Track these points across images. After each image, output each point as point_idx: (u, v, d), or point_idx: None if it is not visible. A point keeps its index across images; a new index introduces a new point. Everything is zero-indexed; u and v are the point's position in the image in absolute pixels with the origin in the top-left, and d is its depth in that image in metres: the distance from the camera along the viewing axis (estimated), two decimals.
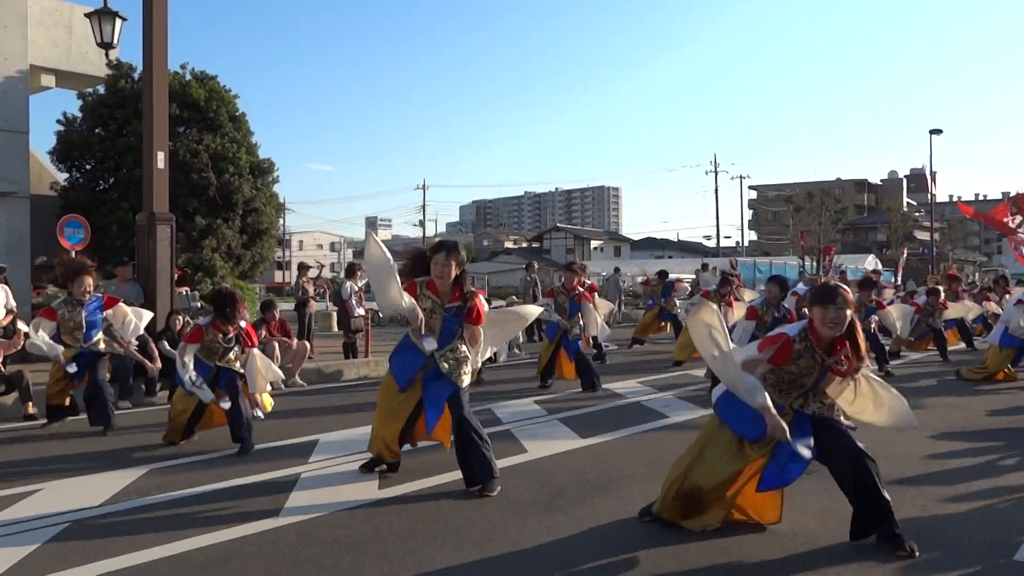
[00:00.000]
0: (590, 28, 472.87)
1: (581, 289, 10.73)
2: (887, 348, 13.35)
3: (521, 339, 16.38)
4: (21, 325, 8.51)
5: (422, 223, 79.45)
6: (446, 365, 5.49)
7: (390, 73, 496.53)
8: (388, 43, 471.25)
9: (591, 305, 10.64)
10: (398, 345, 5.71)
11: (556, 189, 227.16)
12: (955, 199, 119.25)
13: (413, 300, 5.46)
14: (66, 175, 18.33)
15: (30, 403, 8.49)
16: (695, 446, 4.55)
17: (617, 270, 30.26)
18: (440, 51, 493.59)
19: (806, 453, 4.27)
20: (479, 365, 5.79)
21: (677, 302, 16.39)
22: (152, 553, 4.17)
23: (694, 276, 17.61)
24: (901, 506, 4.86)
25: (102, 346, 7.88)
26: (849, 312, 4.24)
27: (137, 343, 9.68)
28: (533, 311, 6.80)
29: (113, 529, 4.63)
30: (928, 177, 46.27)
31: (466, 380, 5.58)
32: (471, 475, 5.36)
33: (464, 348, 5.62)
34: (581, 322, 10.53)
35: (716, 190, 64.85)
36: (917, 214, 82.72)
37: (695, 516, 4.45)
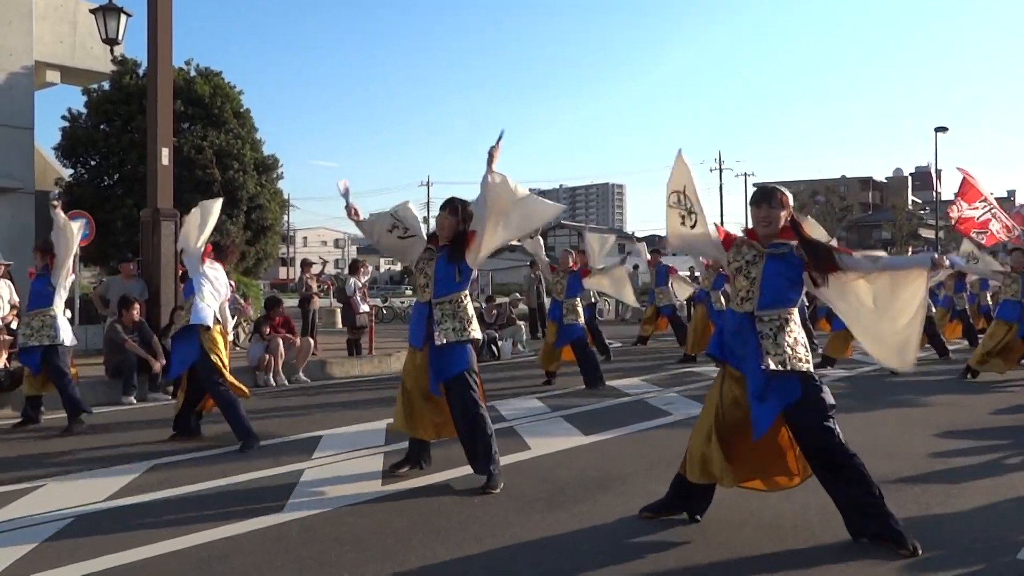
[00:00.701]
0: (596, 26, 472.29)
1: (576, 268, 10.75)
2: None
3: (525, 336, 16.39)
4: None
5: (427, 220, 79.47)
6: (439, 313, 5.40)
7: (395, 70, 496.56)
8: (393, 40, 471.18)
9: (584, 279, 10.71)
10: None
11: (560, 186, 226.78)
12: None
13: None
14: (71, 171, 18.36)
15: None
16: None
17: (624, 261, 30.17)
18: (445, 48, 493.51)
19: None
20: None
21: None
22: (155, 548, 4.18)
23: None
24: (904, 504, 4.86)
25: None
26: (783, 213, 4.29)
27: (139, 337, 9.72)
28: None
29: (116, 525, 4.64)
30: (933, 175, 46.20)
31: (473, 334, 5.47)
32: (472, 455, 5.40)
33: (466, 301, 5.50)
34: (592, 298, 10.61)
35: (720, 187, 64.71)
36: (922, 212, 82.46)
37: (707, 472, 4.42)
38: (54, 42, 17.11)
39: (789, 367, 4.19)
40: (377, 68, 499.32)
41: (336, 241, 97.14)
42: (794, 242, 4.30)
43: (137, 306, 10.10)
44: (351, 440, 6.93)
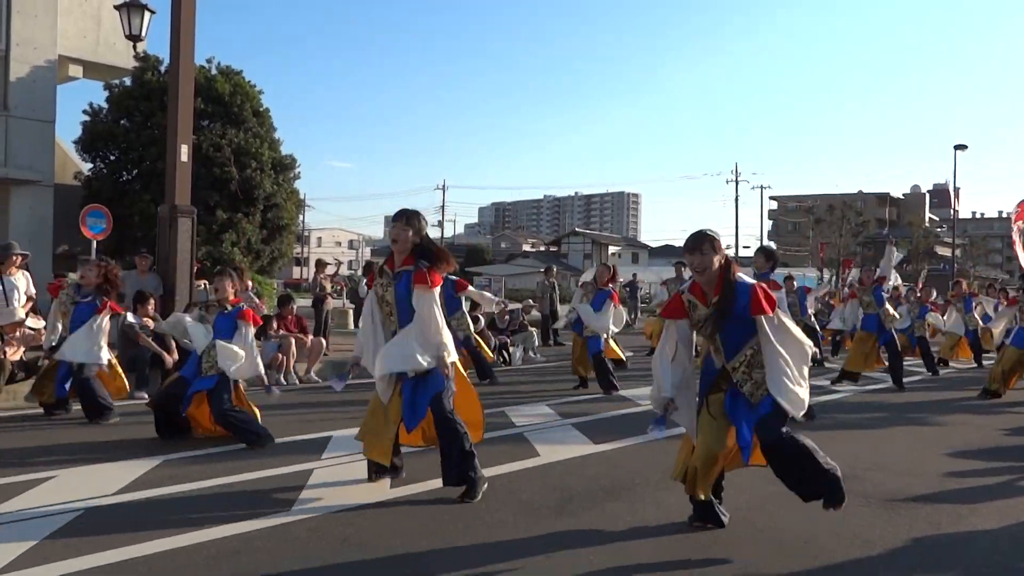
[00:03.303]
0: (614, 35, 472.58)
1: (612, 287, 10.75)
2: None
3: (536, 343, 16.38)
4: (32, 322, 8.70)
5: (441, 223, 79.59)
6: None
7: (413, 74, 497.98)
8: (412, 44, 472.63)
9: (612, 305, 10.60)
10: None
11: (576, 193, 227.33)
12: (978, 215, 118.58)
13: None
14: (90, 165, 18.50)
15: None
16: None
17: (635, 276, 30.20)
18: (464, 53, 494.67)
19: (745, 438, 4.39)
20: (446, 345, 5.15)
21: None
22: (163, 543, 4.19)
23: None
24: (915, 524, 4.83)
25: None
26: (716, 258, 4.36)
27: (153, 334, 9.77)
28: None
29: (125, 519, 4.66)
30: (951, 192, 45.97)
31: (448, 359, 5.17)
32: (448, 471, 5.17)
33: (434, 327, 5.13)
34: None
35: (736, 199, 64.53)
36: (939, 230, 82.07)
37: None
38: (78, 37, 17.25)
39: (767, 393, 4.32)
40: (395, 71, 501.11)
41: (350, 242, 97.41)
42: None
43: (152, 301, 10.15)
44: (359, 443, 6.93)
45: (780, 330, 4.32)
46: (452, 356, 5.27)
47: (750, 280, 4.42)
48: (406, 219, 5.22)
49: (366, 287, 13.71)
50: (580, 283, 11.49)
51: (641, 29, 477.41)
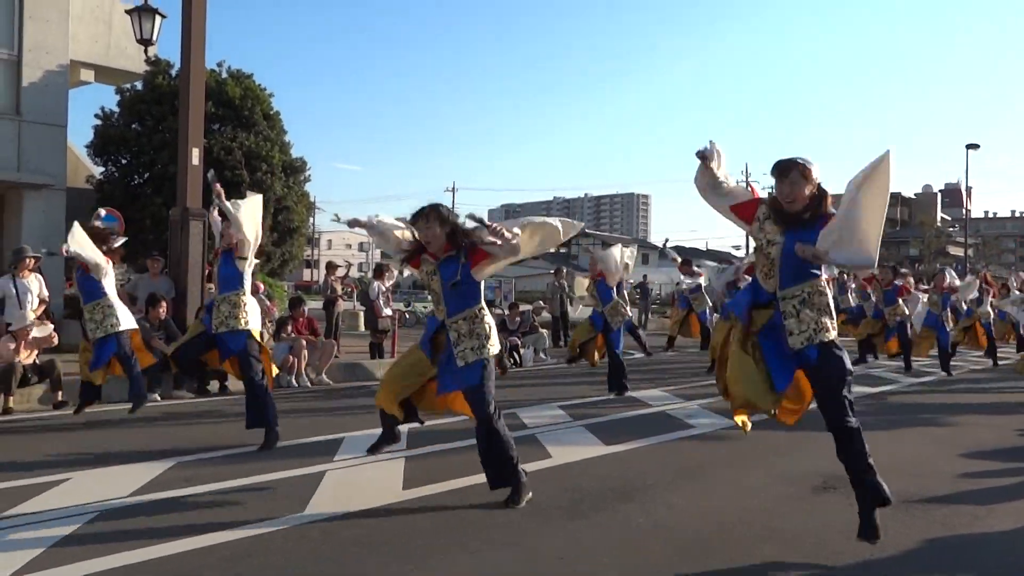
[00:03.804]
0: (624, 34, 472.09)
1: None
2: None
3: (547, 344, 16.38)
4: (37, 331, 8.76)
5: None
6: (454, 334, 5.05)
7: (421, 76, 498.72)
8: (419, 46, 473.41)
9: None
10: None
11: (585, 195, 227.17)
12: (990, 215, 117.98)
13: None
14: (102, 169, 18.59)
15: (60, 392, 8.62)
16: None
17: (645, 277, 30.17)
18: (472, 54, 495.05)
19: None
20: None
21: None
22: (177, 545, 4.21)
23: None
24: (930, 526, 4.80)
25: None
26: (807, 188, 4.19)
27: (165, 335, 9.81)
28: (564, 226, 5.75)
29: (139, 520, 4.68)
30: (963, 192, 45.75)
31: (492, 350, 5.09)
32: (495, 476, 5.12)
33: (482, 314, 5.11)
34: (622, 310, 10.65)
35: None
36: (951, 229, 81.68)
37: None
38: (89, 41, 17.32)
39: (814, 341, 4.22)
40: (403, 73, 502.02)
41: (360, 244, 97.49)
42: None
43: (164, 304, 10.20)
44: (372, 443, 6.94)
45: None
46: (495, 347, 5.18)
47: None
48: (427, 218, 5.06)
49: (377, 287, 13.73)
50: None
51: (650, 29, 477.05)
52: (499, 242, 4.97)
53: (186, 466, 6.05)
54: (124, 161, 18.26)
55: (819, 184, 4.27)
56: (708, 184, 4.54)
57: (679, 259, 17.18)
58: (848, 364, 4.26)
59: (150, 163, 17.75)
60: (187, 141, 11.36)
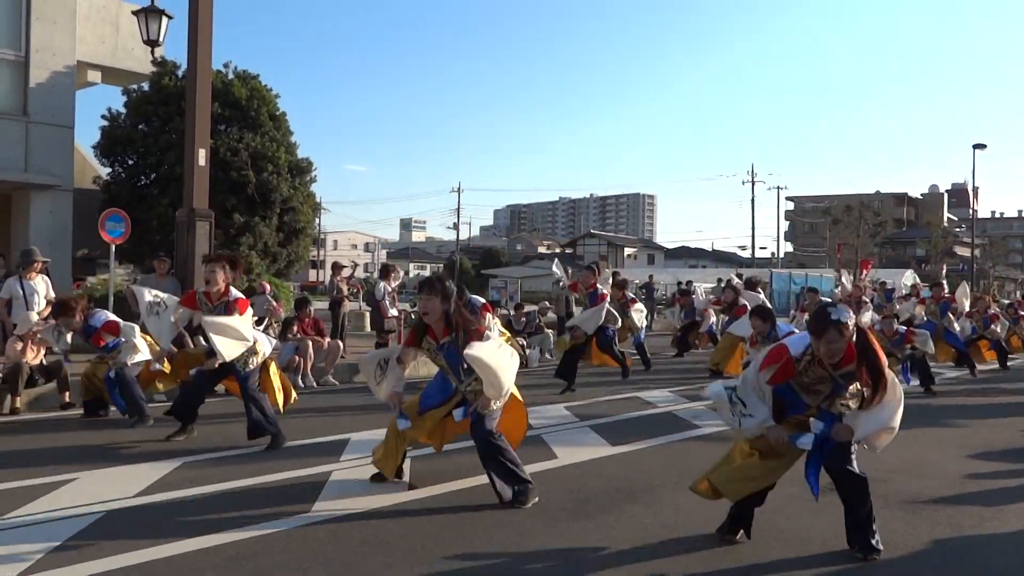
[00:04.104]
0: (630, 35, 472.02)
1: (600, 288, 10.94)
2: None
3: (553, 344, 16.35)
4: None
5: (456, 226, 79.73)
6: (471, 395, 5.29)
7: (427, 76, 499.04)
8: (425, 47, 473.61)
9: (601, 305, 10.84)
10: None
11: (591, 195, 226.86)
12: (997, 215, 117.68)
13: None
14: (109, 170, 18.63)
15: (67, 392, 8.63)
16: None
17: (651, 277, 30.15)
18: (478, 55, 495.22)
19: (806, 442, 4.33)
20: (504, 392, 5.25)
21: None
22: (184, 545, 4.22)
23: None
24: (937, 526, 4.79)
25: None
26: (842, 344, 4.15)
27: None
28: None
29: (146, 520, 4.69)
30: (970, 192, 45.60)
31: (495, 405, 5.27)
32: (502, 490, 5.19)
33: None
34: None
35: (753, 200, 64.44)
36: (958, 229, 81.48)
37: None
38: (96, 42, 17.38)
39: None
40: (409, 74, 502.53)
41: (366, 245, 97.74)
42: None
43: None
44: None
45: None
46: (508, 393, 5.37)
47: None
48: (427, 289, 5.21)
49: (383, 288, 13.76)
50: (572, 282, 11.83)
51: (655, 28, 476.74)
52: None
53: (193, 466, 6.07)
54: (131, 162, 18.29)
55: (851, 327, 4.21)
56: None
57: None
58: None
59: (156, 164, 17.77)
60: (193, 142, 11.38)
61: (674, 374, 13.31)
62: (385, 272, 14.30)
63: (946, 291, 14.29)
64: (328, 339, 11.97)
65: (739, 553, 4.27)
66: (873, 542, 4.24)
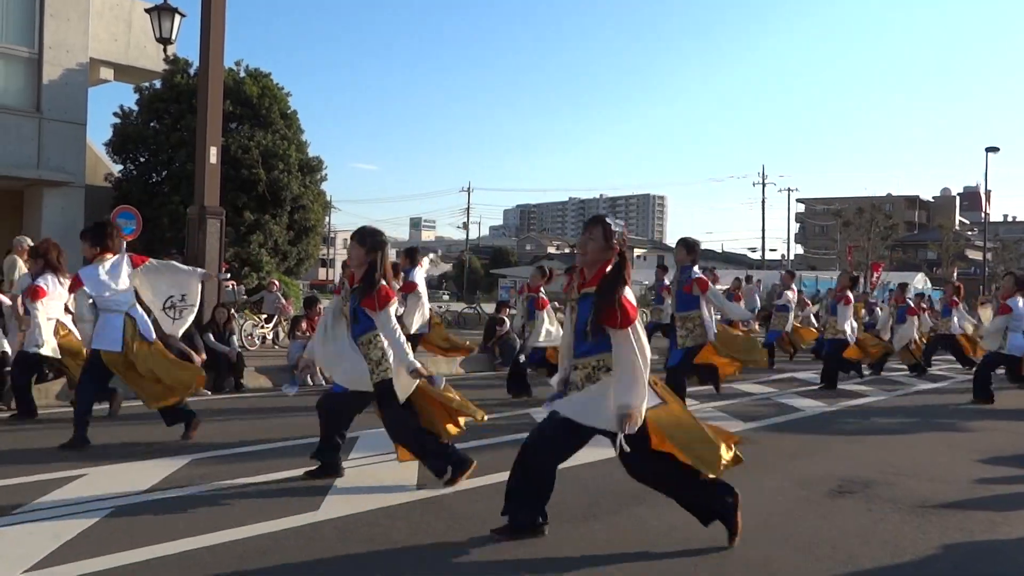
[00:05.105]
0: (639, 37, 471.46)
1: (542, 293, 10.44)
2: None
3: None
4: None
5: (466, 225, 79.77)
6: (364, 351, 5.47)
7: (437, 76, 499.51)
8: (435, 46, 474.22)
9: (543, 312, 10.36)
10: None
11: (601, 196, 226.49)
12: (1010, 219, 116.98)
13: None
14: (120, 167, 18.71)
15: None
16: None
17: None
18: (488, 55, 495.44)
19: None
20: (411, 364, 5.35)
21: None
22: (193, 542, 4.22)
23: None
24: (947, 531, 4.76)
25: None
26: (593, 245, 4.19)
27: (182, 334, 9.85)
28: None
29: (155, 517, 4.70)
30: (983, 195, 45.32)
31: (383, 376, 5.41)
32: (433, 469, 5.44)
33: (376, 340, 5.45)
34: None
35: (763, 202, 64.14)
36: (970, 233, 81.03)
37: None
38: (109, 40, 17.47)
39: None
40: (419, 74, 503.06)
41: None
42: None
43: None
44: (387, 443, 6.90)
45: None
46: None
47: None
48: (358, 237, 5.58)
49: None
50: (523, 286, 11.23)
51: (665, 30, 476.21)
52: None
53: (201, 463, 6.08)
54: (142, 159, 18.38)
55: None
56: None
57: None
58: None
59: (168, 161, 17.85)
60: (205, 139, 11.41)
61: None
62: (395, 271, 14.22)
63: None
64: None
65: (747, 556, 4.25)
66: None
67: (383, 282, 5.44)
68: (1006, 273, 11.77)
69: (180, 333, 7.41)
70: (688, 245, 8.48)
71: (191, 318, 7.31)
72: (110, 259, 6.83)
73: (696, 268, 8.44)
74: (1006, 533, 4.82)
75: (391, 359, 5.44)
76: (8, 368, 8.14)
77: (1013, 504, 5.51)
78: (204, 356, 9.81)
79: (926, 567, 4.21)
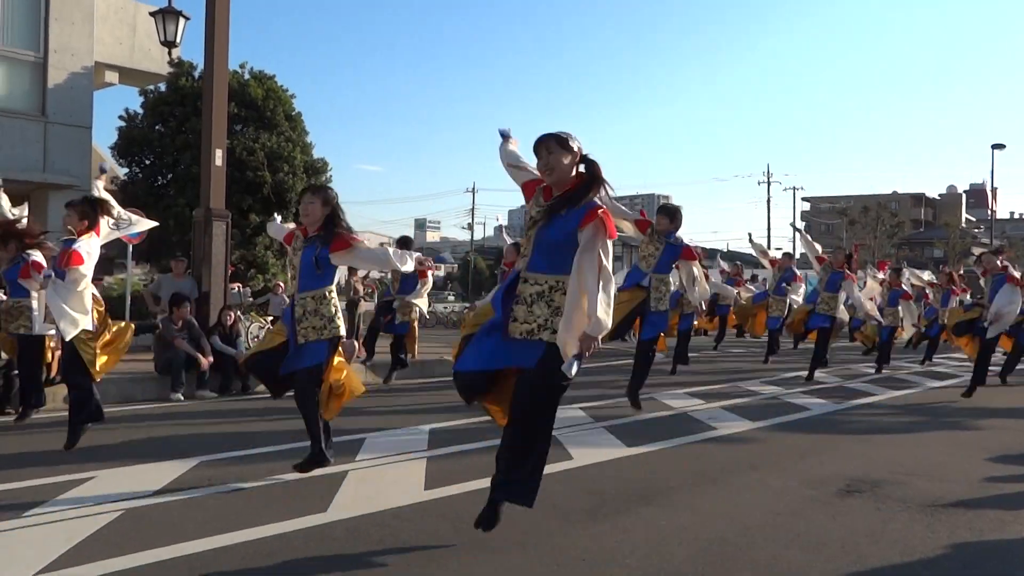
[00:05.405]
0: (641, 36, 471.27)
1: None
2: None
3: None
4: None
5: (471, 226, 79.78)
6: (300, 310, 5.50)
7: (441, 77, 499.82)
8: (439, 48, 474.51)
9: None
10: None
11: None
12: (1016, 216, 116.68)
13: None
14: (126, 170, 18.74)
15: None
16: None
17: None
18: (492, 56, 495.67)
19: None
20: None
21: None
22: (200, 544, 4.23)
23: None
24: (955, 530, 4.75)
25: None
26: (565, 160, 4.17)
27: (188, 335, 9.88)
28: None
29: (164, 519, 4.71)
30: (989, 193, 45.25)
31: (336, 331, 5.51)
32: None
33: (328, 296, 5.52)
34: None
35: (768, 201, 64.12)
36: (976, 230, 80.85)
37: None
38: (114, 43, 17.51)
39: (534, 338, 4.13)
40: (423, 75, 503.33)
41: (381, 244, 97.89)
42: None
43: (188, 304, 10.27)
44: (394, 444, 6.96)
45: None
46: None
47: None
48: (311, 191, 5.75)
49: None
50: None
51: (669, 29, 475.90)
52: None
53: (210, 465, 6.09)
54: (148, 162, 18.39)
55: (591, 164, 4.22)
56: (509, 160, 4.82)
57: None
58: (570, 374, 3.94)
59: (173, 164, 17.87)
60: (210, 142, 11.43)
61: (690, 375, 13.27)
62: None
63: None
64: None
65: (756, 556, 4.25)
66: None
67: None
68: (982, 253, 11.91)
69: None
70: (670, 212, 8.62)
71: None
72: (96, 238, 6.91)
73: (678, 235, 8.67)
74: (1016, 532, 4.81)
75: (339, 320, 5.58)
76: (15, 372, 8.16)
77: (1022, 503, 5.49)
78: (211, 358, 9.84)
79: (936, 566, 4.20)
